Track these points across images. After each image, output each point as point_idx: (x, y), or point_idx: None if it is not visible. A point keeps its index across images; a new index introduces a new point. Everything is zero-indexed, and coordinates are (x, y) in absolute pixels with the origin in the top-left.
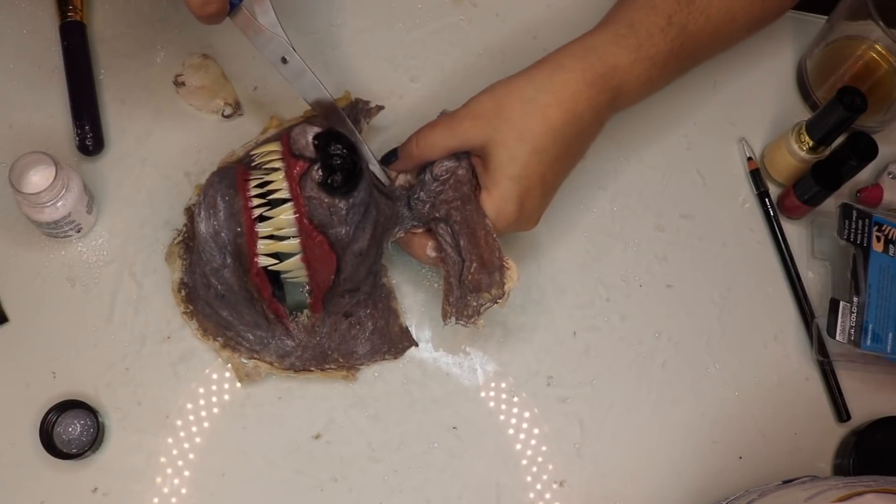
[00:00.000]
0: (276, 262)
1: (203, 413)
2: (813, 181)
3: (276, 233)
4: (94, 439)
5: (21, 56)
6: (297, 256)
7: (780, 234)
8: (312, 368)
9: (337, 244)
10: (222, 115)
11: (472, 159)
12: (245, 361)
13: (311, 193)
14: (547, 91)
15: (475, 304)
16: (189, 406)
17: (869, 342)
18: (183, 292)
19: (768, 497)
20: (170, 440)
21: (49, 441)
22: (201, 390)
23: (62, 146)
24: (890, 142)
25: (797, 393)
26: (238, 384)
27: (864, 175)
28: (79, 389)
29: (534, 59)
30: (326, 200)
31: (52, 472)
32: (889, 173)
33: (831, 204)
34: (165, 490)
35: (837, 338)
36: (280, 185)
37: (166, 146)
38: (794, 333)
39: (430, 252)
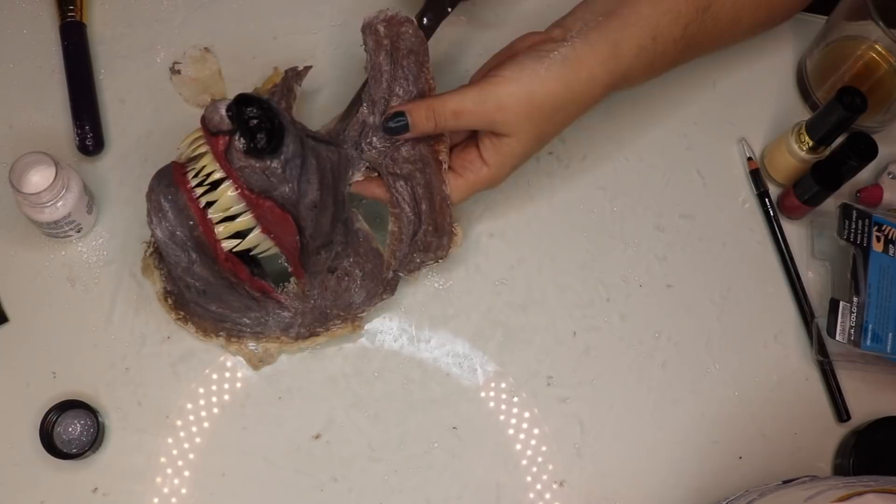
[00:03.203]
0: (240, 241)
1: (203, 413)
2: (813, 181)
3: (227, 214)
4: (94, 439)
5: (21, 56)
6: (256, 230)
7: (780, 234)
8: (319, 331)
9: (287, 204)
10: None
11: (480, 133)
12: (253, 347)
13: (241, 164)
14: (575, 101)
15: (419, 261)
16: (189, 406)
17: (869, 342)
18: (170, 300)
19: (768, 497)
20: (170, 440)
21: (49, 441)
22: (201, 390)
23: (62, 146)
24: (890, 142)
25: (797, 393)
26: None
27: (864, 175)
28: (79, 389)
29: None
30: (258, 165)
31: (52, 472)
32: (889, 173)
33: (831, 204)
34: (165, 490)
35: (837, 338)
36: (212, 166)
37: (166, 146)
38: (794, 333)
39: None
